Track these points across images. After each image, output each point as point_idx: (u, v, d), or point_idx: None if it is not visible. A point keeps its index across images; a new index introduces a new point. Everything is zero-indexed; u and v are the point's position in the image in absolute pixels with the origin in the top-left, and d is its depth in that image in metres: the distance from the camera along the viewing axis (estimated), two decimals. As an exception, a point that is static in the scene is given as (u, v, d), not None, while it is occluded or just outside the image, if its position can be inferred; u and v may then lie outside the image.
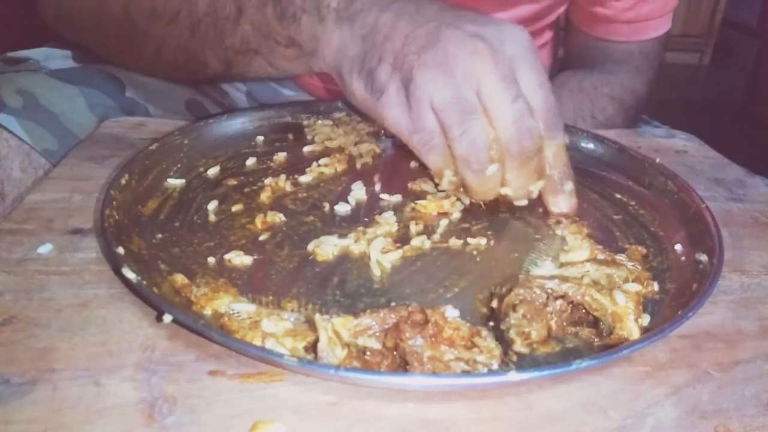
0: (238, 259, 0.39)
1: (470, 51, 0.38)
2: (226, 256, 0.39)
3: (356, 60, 0.42)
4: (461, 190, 0.45)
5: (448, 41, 0.39)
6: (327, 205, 0.47)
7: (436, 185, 0.46)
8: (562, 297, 0.35)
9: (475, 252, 0.42)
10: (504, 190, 0.42)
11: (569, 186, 0.44)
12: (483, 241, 0.43)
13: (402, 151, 0.57)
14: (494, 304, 0.35)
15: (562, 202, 0.44)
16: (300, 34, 0.44)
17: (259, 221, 0.43)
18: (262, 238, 0.42)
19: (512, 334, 0.33)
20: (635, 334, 0.33)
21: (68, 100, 0.58)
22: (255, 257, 0.40)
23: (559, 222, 0.45)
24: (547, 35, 0.77)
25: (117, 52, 0.59)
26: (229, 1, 0.47)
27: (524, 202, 0.44)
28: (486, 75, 0.38)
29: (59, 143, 0.55)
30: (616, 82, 0.72)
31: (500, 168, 0.41)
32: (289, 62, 0.47)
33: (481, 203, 0.45)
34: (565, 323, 0.35)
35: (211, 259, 0.39)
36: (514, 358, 0.32)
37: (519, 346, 0.33)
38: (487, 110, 0.39)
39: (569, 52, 0.80)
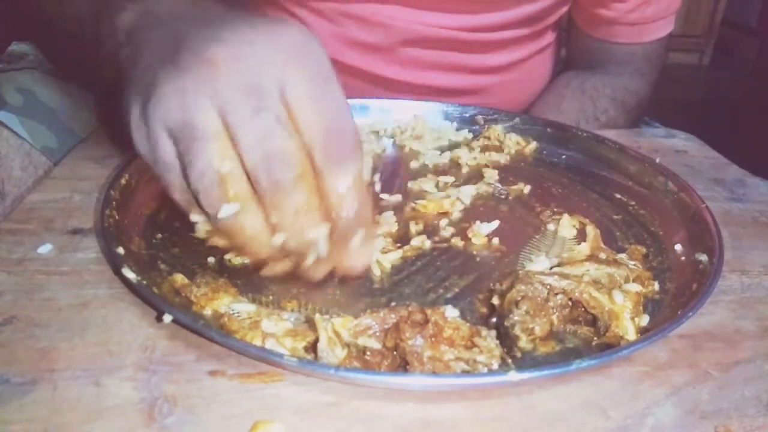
0: (238, 259, 0.39)
1: (202, 61, 0.30)
2: (226, 256, 0.39)
3: (116, 82, 0.35)
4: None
5: (182, 53, 0.31)
6: None
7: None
8: (563, 292, 0.35)
9: (475, 252, 0.42)
10: (277, 239, 0.32)
11: (359, 236, 0.33)
12: (483, 240, 0.43)
13: (401, 152, 0.58)
14: (495, 300, 0.35)
15: (351, 255, 0.33)
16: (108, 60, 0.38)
17: None
18: (262, 238, 0.42)
19: (517, 330, 0.33)
20: (630, 333, 0.33)
21: (68, 97, 0.58)
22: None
23: (552, 216, 0.45)
24: (550, 36, 0.77)
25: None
26: (75, 11, 0.43)
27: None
28: (219, 87, 0.30)
29: (59, 141, 0.55)
30: (618, 84, 0.72)
31: (253, 210, 0.31)
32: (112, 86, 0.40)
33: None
34: (565, 319, 0.35)
35: (211, 259, 0.39)
36: (519, 354, 0.32)
37: (524, 343, 0.33)
38: (228, 131, 0.30)
39: (572, 53, 0.80)
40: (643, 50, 0.73)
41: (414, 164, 0.54)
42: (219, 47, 0.30)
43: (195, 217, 0.33)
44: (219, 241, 0.34)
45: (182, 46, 0.31)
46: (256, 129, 0.30)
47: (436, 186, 0.51)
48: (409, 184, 0.50)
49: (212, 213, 0.31)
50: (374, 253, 0.40)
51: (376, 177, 0.51)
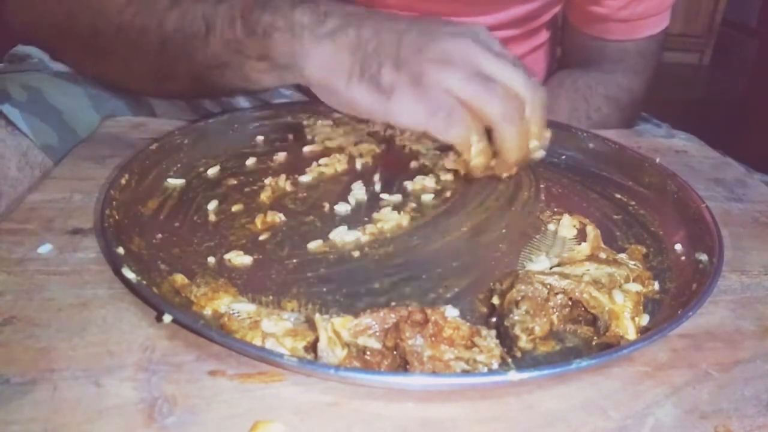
0: (238, 259, 0.39)
1: (461, 44, 0.43)
2: (226, 256, 0.39)
3: (353, 70, 0.44)
4: (489, 165, 0.46)
5: (439, 40, 0.43)
6: (327, 205, 0.47)
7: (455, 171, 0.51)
8: (563, 292, 0.35)
9: (475, 251, 0.42)
10: (532, 145, 0.46)
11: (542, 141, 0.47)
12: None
13: (401, 152, 0.57)
14: (495, 300, 0.35)
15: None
16: (273, 50, 0.46)
17: (259, 221, 0.43)
18: (262, 238, 0.42)
19: (517, 330, 0.33)
20: (631, 332, 0.33)
21: (73, 99, 0.58)
22: (255, 257, 0.40)
23: (552, 216, 0.46)
24: (543, 35, 0.77)
25: (85, 64, 0.59)
26: (198, 17, 0.48)
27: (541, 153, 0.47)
28: (483, 57, 0.43)
29: (60, 139, 0.55)
30: (612, 82, 0.72)
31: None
32: (260, 74, 0.48)
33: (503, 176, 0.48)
34: (565, 319, 0.35)
35: (211, 259, 0.39)
36: (519, 354, 0.32)
37: (524, 343, 0.33)
38: (503, 84, 0.43)
39: (566, 51, 0.80)
40: (637, 47, 0.72)
41: (414, 164, 0.54)
42: (463, 37, 0.44)
43: (474, 140, 0.44)
44: (480, 157, 0.45)
45: (429, 36, 0.43)
46: (520, 74, 0.43)
47: (436, 183, 0.51)
48: (409, 185, 0.50)
49: (518, 119, 0.43)
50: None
51: (376, 177, 0.51)
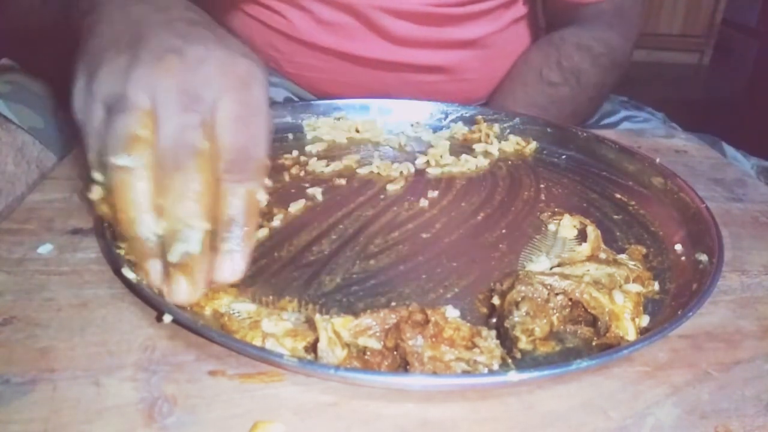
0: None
1: (156, 61, 0.34)
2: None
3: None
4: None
5: (141, 48, 0.35)
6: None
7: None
8: (563, 293, 0.35)
9: (475, 251, 0.42)
10: (157, 223, 0.33)
11: (234, 245, 0.34)
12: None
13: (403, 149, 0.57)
14: (495, 300, 0.35)
15: (220, 263, 0.34)
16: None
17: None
18: (262, 238, 0.42)
19: (517, 332, 0.33)
20: (631, 333, 0.33)
21: (55, 89, 0.59)
22: (255, 257, 0.40)
23: (552, 216, 0.46)
24: (522, 8, 0.76)
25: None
26: None
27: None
28: (162, 83, 0.34)
29: (45, 122, 0.56)
30: (585, 33, 0.72)
31: (146, 177, 0.33)
32: None
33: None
34: (565, 320, 0.35)
35: (211, 259, 0.39)
36: (519, 355, 0.32)
37: (524, 344, 0.33)
38: (155, 116, 0.33)
39: (546, 20, 0.79)
40: (614, 6, 0.72)
41: (419, 162, 0.55)
42: (175, 57, 0.34)
43: (96, 175, 0.34)
44: (104, 209, 0.35)
45: (142, 41, 0.35)
46: (179, 120, 0.33)
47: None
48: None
49: (112, 161, 0.33)
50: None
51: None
